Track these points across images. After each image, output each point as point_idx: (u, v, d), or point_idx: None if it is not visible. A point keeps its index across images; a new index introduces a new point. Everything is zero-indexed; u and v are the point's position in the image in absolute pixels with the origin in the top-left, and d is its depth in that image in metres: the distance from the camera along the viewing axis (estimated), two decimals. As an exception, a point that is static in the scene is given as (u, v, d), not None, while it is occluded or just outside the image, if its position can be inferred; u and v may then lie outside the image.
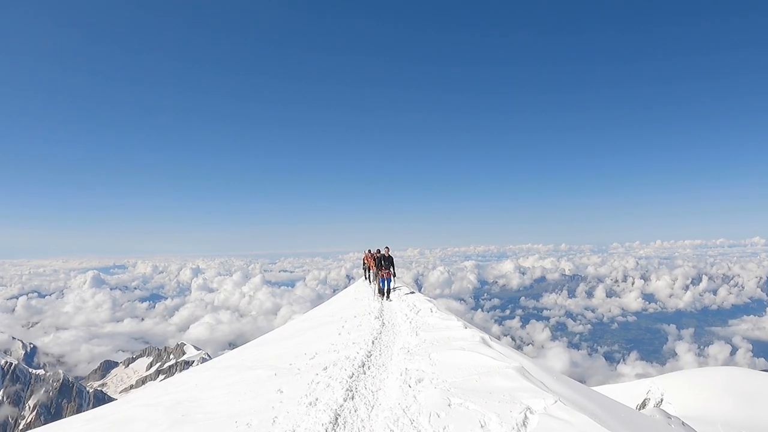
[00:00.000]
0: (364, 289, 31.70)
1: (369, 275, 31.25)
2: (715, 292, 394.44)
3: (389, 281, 25.66)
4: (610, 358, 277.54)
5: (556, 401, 7.35)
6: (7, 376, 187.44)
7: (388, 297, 24.82)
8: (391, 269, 25.91)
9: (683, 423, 18.03)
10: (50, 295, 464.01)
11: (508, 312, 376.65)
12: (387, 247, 26.27)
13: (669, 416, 19.55)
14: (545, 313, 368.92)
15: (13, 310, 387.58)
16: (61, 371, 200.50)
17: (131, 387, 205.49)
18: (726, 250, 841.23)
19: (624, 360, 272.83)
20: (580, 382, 14.75)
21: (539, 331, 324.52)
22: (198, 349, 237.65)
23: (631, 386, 60.37)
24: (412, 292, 26.58)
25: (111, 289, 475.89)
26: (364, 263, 34.17)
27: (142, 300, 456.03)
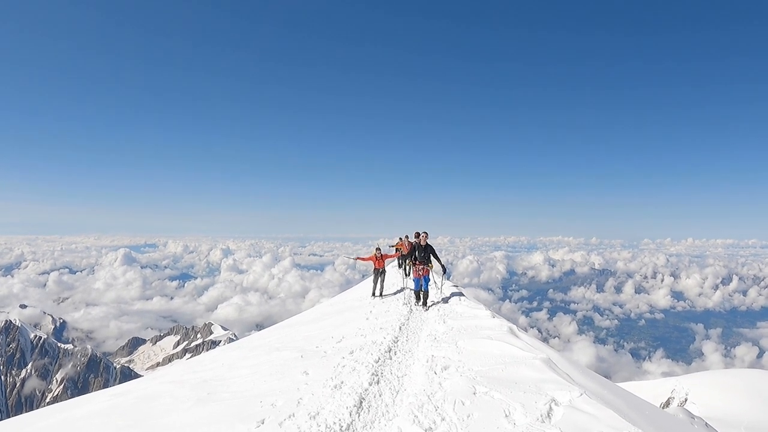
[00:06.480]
0: (394, 275, 29.71)
1: (405, 266, 24.65)
2: (745, 293, 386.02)
3: (425, 281, 18.47)
4: (636, 354, 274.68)
5: (581, 394, 7.32)
6: (36, 350, 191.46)
7: (423, 303, 18.31)
8: (431, 264, 18.91)
9: (706, 424, 17.89)
10: (81, 271, 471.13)
11: (535, 304, 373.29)
12: (425, 233, 19.11)
13: (692, 416, 19.42)
14: (573, 306, 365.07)
15: (45, 285, 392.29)
16: (89, 346, 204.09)
17: (158, 364, 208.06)
18: (758, 251, 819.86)
19: (650, 357, 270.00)
20: (605, 377, 14.69)
21: (566, 325, 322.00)
22: (225, 329, 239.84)
23: (656, 384, 59.93)
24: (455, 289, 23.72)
25: (141, 267, 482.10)
26: (397, 250, 28.77)
27: (172, 279, 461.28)
